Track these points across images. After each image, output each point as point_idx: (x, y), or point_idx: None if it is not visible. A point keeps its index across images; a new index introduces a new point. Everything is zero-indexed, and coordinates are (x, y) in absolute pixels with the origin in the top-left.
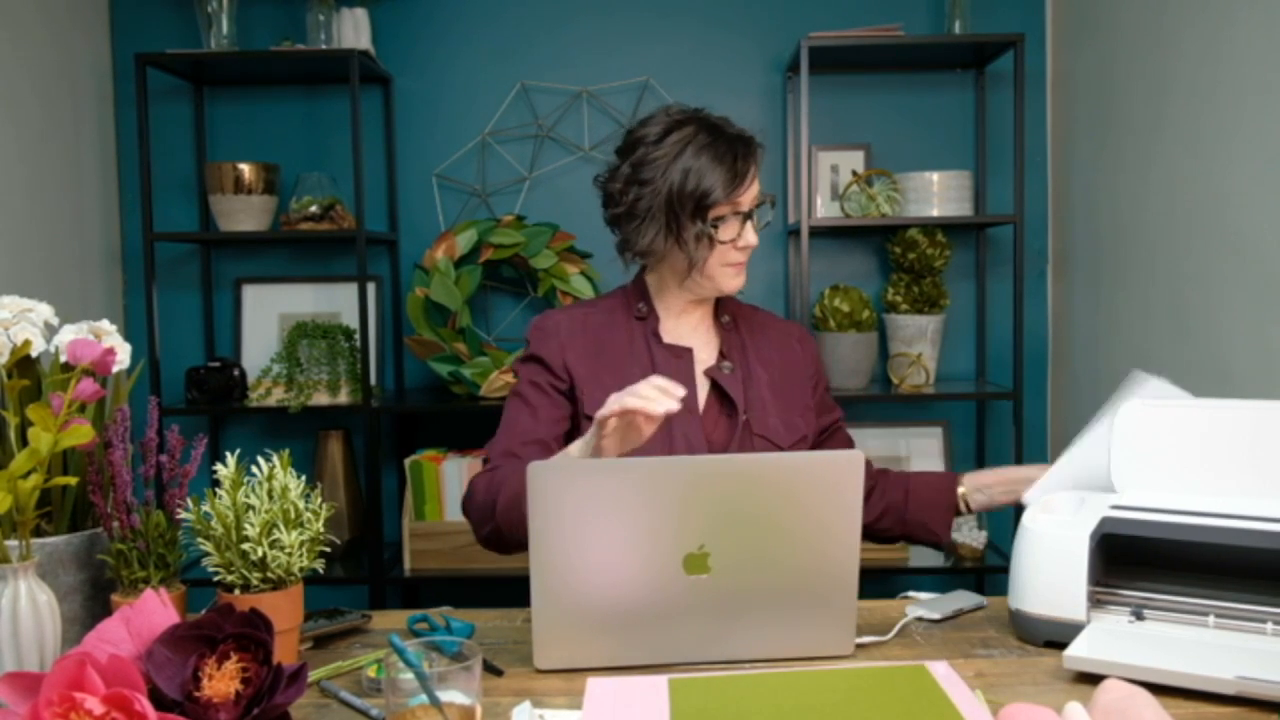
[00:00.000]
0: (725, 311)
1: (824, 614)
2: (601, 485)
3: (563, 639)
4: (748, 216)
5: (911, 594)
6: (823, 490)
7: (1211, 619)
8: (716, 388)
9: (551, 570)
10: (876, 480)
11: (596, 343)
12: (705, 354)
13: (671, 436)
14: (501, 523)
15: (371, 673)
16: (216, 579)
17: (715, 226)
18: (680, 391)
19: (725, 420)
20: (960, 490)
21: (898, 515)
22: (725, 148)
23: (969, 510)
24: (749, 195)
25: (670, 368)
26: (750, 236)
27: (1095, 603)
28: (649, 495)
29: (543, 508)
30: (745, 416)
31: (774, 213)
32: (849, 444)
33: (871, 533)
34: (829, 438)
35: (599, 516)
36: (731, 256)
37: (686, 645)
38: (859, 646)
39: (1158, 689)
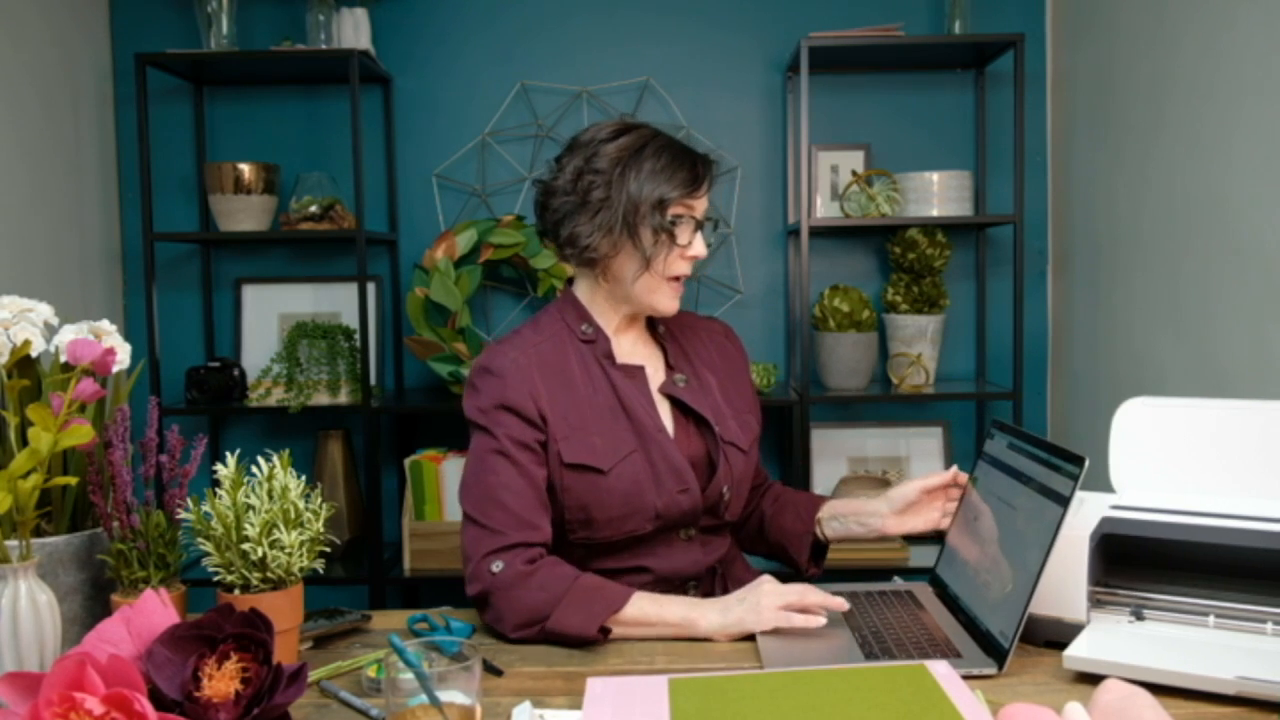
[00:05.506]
0: (659, 323)
1: None
2: None
3: None
4: (699, 225)
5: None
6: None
7: (1211, 619)
8: (676, 403)
9: None
10: (763, 489)
11: (556, 377)
12: (652, 368)
13: (652, 462)
14: (548, 633)
15: (371, 673)
16: (216, 579)
17: (674, 224)
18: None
19: (696, 434)
20: (818, 516)
21: (757, 530)
22: (683, 150)
23: (826, 539)
24: (702, 203)
25: (630, 390)
26: (700, 246)
27: (1095, 603)
28: None
29: None
30: (717, 428)
31: (716, 236)
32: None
33: (738, 541)
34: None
35: None
36: (679, 266)
37: None
38: None
39: (1158, 689)
